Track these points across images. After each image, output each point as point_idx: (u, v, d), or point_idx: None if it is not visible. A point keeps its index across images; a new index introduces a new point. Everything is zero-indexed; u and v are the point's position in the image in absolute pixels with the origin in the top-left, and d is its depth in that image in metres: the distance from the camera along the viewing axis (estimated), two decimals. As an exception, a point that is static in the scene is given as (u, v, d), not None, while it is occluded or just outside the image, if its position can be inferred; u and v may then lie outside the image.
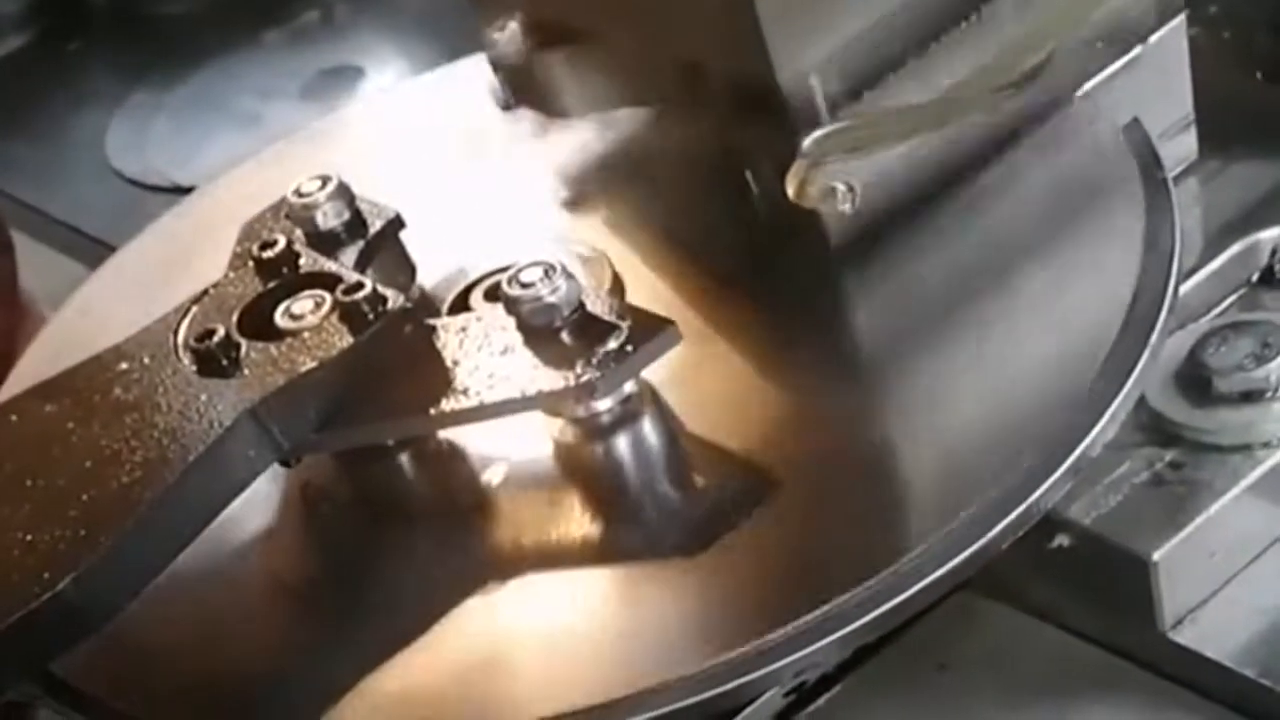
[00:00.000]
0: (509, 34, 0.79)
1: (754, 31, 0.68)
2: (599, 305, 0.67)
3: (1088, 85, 0.75)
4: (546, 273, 0.67)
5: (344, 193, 0.74)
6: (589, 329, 0.67)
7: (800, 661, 0.61)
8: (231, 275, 0.72)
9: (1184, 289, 0.71)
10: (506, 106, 0.82)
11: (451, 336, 0.69)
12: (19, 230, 1.08)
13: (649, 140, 0.79)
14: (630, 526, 0.67)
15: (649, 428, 0.69)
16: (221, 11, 1.21)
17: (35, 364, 0.81)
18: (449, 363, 0.68)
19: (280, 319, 0.69)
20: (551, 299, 0.67)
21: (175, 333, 0.70)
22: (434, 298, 0.76)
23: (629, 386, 0.68)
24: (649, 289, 0.74)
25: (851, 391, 0.69)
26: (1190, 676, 0.68)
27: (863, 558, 0.62)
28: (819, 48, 0.69)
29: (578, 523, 0.67)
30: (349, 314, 0.68)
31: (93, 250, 1.02)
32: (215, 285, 0.72)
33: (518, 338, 0.68)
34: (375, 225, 0.74)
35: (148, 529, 0.63)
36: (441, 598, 0.65)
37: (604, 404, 0.68)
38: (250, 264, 0.72)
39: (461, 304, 0.75)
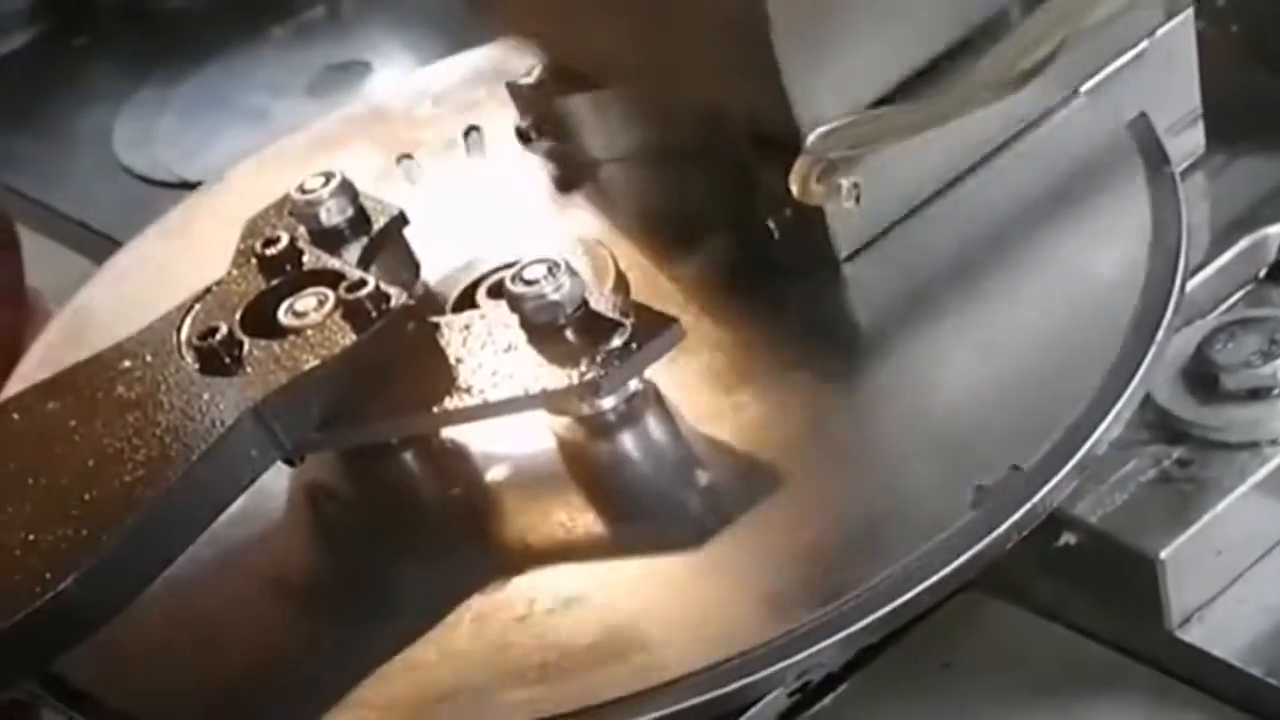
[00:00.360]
0: (534, 76, 0.80)
1: (776, 83, 0.68)
2: (603, 303, 0.67)
3: (1094, 79, 0.75)
4: (550, 270, 0.67)
5: (347, 189, 0.74)
6: (593, 327, 0.67)
7: (805, 661, 0.60)
8: (234, 272, 0.72)
9: (1191, 285, 0.71)
10: (527, 141, 0.82)
11: (455, 334, 0.69)
12: (26, 226, 1.08)
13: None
14: (634, 525, 0.66)
15: (653, 426, 0.69)
16: (228, 7, 1.21)
17: (40, 360, 0.81)
18: (452, 361, 0.68)
19: (283, 317, 0.69)
20: (555, 296, 0.67)
21: (178, 330, 0.70)
22: (438, 295, 0.76)
23: (633, 384, 0.68)
24: (653, 286, 0.73)
25: (856, 389, 0.69)
26: (1197, 675, 0.68)
27: (868, 556, 0.62)
28: (841, 100, 0.69)
29: (581, 522, 0.66)
30: (352, 312, 0.68)
31: (99, 245, 1.02)
32: (218, 282, 0.72)
33: (521, 335, 0.67)
34: (379, 222, 0.74)
35: (150, 528, 0.63)
36: (444, 597, 0.65)
37: (608, 402, 0.68)
38: (253, 261, 0.72)
39: (465, 301, 0.75)
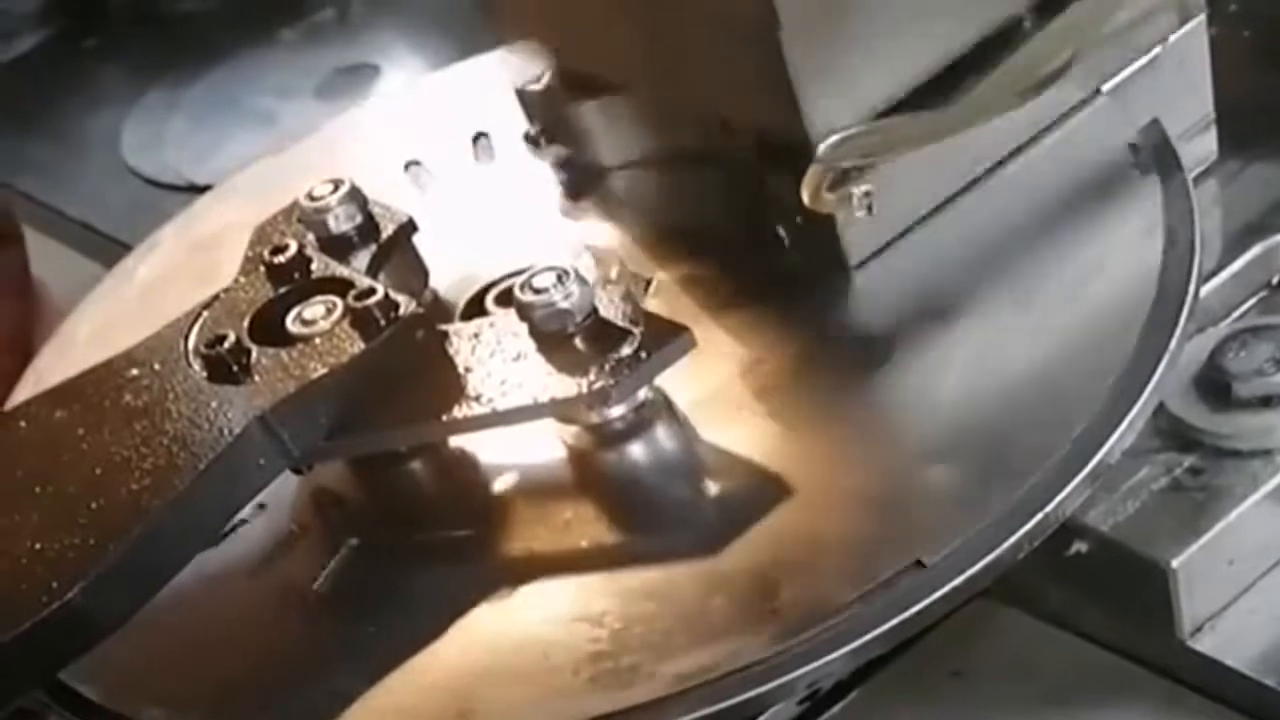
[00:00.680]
0: (543, 83, 0.80)
1: (787, 91, 0.68)
2: (612, 311, 0.67)
3: (1107, 86, 0.75)
4: (560, 278, 0.67)
5: (356, 196, 0.74)
6: (602, 335, 0.66)
7: (815, 672, 0.60)
8: (243, 280, 0.72)
9: (1203, 292, 0.70)
10: (537, 147, 0.82)
11: (464, 342, 0.68)
12: (34, 228, 1.08)
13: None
14: (643, 535, 0.66)
15: (662, 434, 0.68)
16: (237, 10, 1.21)
17: (47, 365, 0.81)
18: (461, 369, 0.68)
19: (291, 325, 0.69)
20: (565, 304, 0.66)
21: (186, 338, 0.70)
22: (446, 302, 0.75)
23: (643, 393, 0.68)
24: (663, 294, 0.73)
25: (866, 397, 0.69)
26: (1209, 684, 0.68)
27: (879, 567, 0.61)
28: (852, 111, 0.69)
29: (589, 531, 0.66)
30: (361, 320, 0.67)
31: (108, 249, 1.02)
32: (226, 290, 0.72)
33: (530, 344, 0.67)
34: (388, 229, 0.74)
35: (157, 537, 0.63)
36: (451, 605, 0.65)
37: (617, 411, 0.68)
38: (261, 268, 0.72)
39: (474, 309, 0.74)
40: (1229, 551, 0.67)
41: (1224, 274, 0.75)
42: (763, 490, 0.65)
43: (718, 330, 0.71)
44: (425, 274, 0.75)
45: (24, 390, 0.79)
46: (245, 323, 0.69)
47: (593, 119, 0.79)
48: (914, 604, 0.61)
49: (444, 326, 0.70)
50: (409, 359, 0.68)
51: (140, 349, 0.70)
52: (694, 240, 0.75)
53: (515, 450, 0.69)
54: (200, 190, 0.99)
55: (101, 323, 0.83)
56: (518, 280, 0.68)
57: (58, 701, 0.66)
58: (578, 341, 0.67)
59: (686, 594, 0.63)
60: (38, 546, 0.63)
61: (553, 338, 0.67)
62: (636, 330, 0.66)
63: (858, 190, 0.68)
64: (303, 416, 0.66)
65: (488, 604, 0.65)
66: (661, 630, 0.62)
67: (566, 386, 0.66)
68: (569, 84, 0.79)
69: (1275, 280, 0.76)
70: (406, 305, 0.68)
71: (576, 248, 0.75)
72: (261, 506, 0.70)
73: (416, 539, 0.68)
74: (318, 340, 0.68)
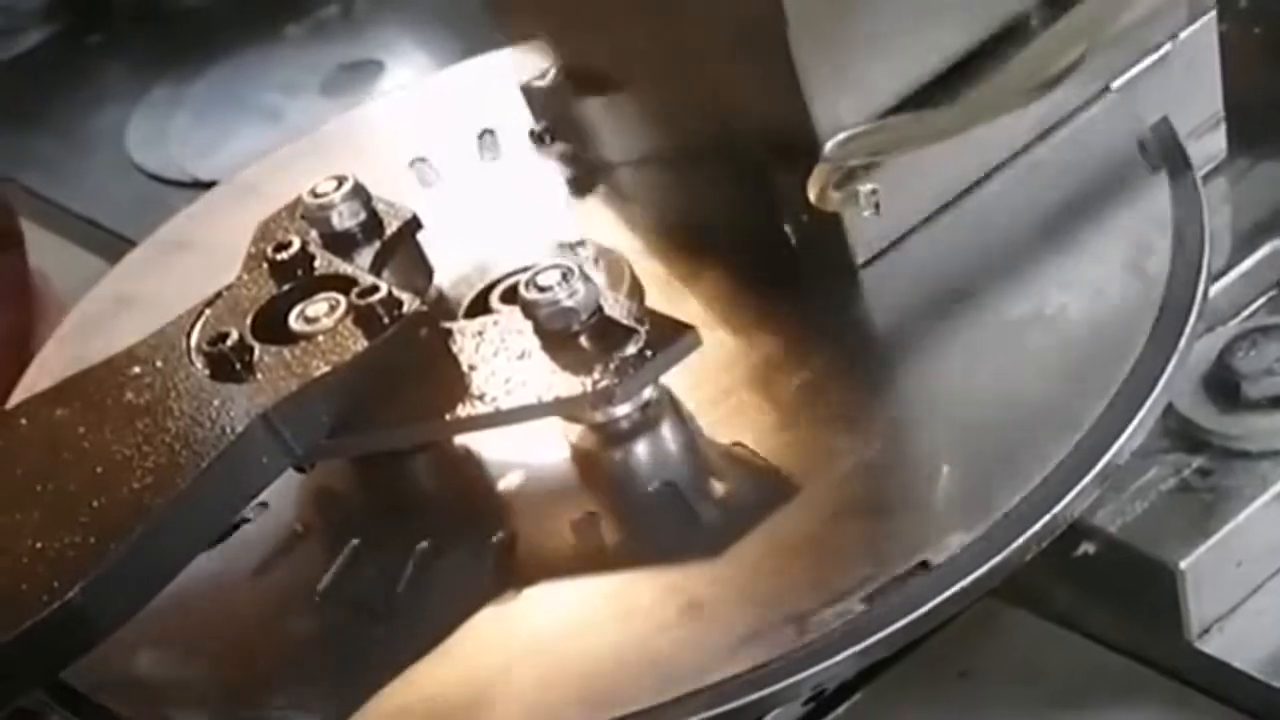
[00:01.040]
0: (549, 79, 0.79)
1: (794, 89, 0.67)
2: (617, 309, 0.66)
3: (1116, 83, 0.74)
4: (564, 276, 0.66)
5: (360, 193, 0.73)
6: (607, 333, 0.66)
7: (821, 674, 0.60)
8: (245, 277, 0.72)
9: (1212, 291, 0.70)
10: (542, 144, 0.82)
11: (468, 340, 0.68)
12: (39, 224, 1.08)
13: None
14: (647, 535, 0.66)
15: (667, 433, 0.68)
16: (242, 6, 1.21)
17: (49, 362, 0.81)
18: (465, 367, 0.67)
19: (294, 322, 0.69)
20: (569, 303, 0.66)
21: (188, 336, 0.69)
22: (451, 299, 0.75)
23: (647, 392, 0.68)
24: (668, 291, 0.73)
25: (872, 397, 0.68)
26: (1216, 686, 0.67)
27: (886, 568, 0.61)
28: (859, 109, 0.68)
29: (593, 530, 0.66)
30: (364, 317, 0.67)
31: (112, 245, 1.02)
32: (229, 287, 0.71)
33: (535, 342, 0.67)
34: (392, 226, 0.73)
35: (159, 536, 0.63)
36: (455, 605, 0.65)
37: (622, 410, 0.68)
38: (264, 265, 0.71)
39: (479, 306, 0.74)
40: (1237, 553, 0.67)
41: (1233, 273, 0.75)
42: (768, 490, 0.65)
43: (723, 329, 0.71)
44: (429, 271, 0.75)
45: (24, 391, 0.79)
46: (248, 320, 0.69)
47: (598, 116, 0.78)
48: (921, 606, 0.60)
49: (448, 324, 0.69)
50: (412, 357, 0.67)
51: (142, 346, 0.70)
52: (700, 238, 0.75)
53: (519, 449, 0.69)
54: (204, 185, 0.99)
55: (105, 318, 0.82)
56: (522, 278, 0.68)
57: (58, 701, 0.66)
58: (582, 340, 0.66)
59: (691, 595, 0.63)
60: (38, 545, 0.62)
61: (557, 336, 0.66)
62: (641, 329, 0.66)
63: (864, 189, 0.67)
64: (305, 415, 0.66)
65: (491, 605, 0.65)
66: (666, 631, 0.62)
67: (571, 385, 0.65)
68: (575, 81, 0.79)
69: (1285, 280, 0.76)
70: (410, 303, 0.68)
71: (582, 245, 0.74)
72: (264, 505, 0.70)
73: (420, 539, 0.68)
74: (321, 338, 0.67)
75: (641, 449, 0.68)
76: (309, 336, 0.68)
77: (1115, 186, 0.72)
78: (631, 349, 0.65)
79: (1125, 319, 0.67)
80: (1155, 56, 0.75)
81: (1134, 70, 0.75)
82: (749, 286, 0.73)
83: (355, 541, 0.68)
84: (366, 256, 0.72)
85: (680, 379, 0.68)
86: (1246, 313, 0.75)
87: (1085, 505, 0.63)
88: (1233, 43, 0.78)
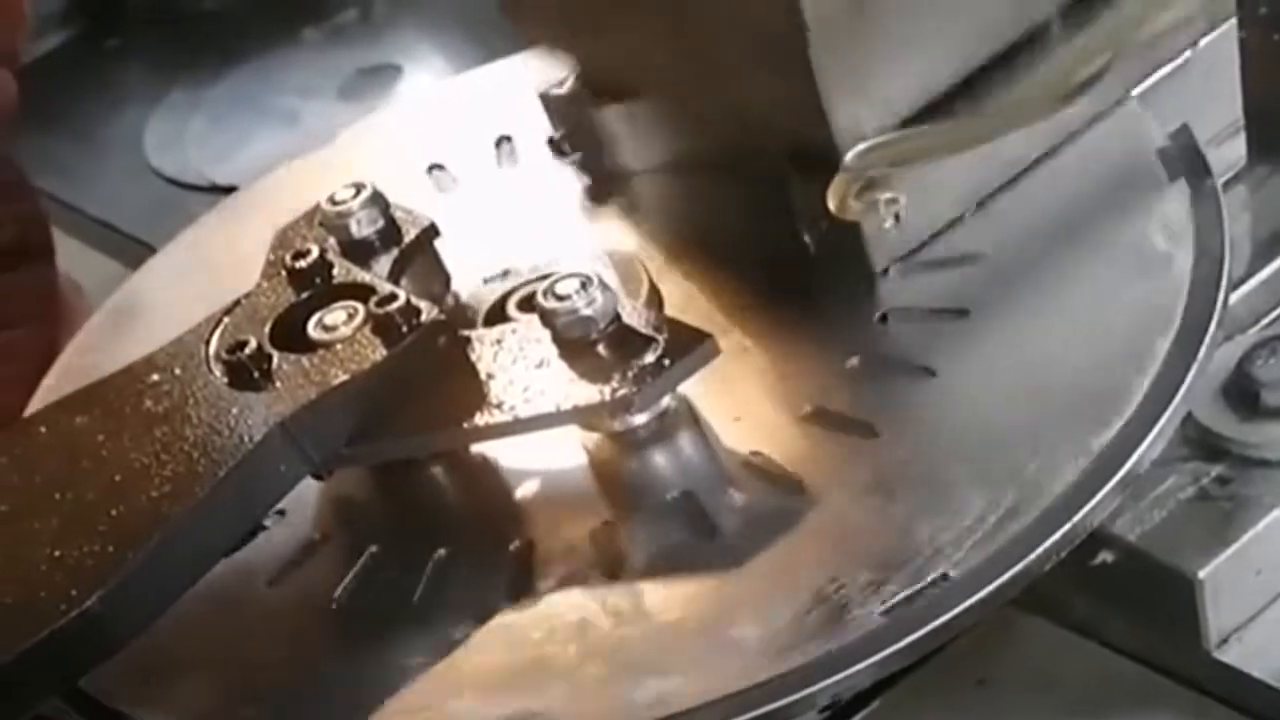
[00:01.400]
0: (567, 87, 0.79)
1: (813, 99, 0.67)
2: (636, 317, 0.66)
3: (1136, 90, 0.74)
4: (583, 284, 0.66)
5: (378, 200, 0.73)
6: (625, 342, 0.66)
7: (839, 685, 0.60)
8: (264, 285, 0.72)
9: (1231, 299, 0.70)
10: (560, 152, 0.82)
11: (486, 349, 0.68)
12: (57, 228, 1.07)
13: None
14: (665, 544, 0.65)
15: (685, 442, 0.68)
16: (260, 10, 1.21)
17: (67, 369, 0.81)
18: (483, 376, 0.67)
19: (313, 330, 0.69)
20: (587, 311, 0.66)
21: (207, 344, 0.69)
22: (469, 307, 0.75)
23: (665, 401, 0.67)
24: (687, 300, 0.73)
25: (891, 405, 0.68)
26: (1235, 695, 0.67)
27: (904, 577, 0.61)
28: (880, 118, 0.68)
29: (612, 539, 0.66)
30: (382, 326, 0.67)
31: (130, 249, 1.02)
32: (247, 295, 0.71)
33: (553, 350, 0.67)
34: (410, 234, 0.73)
35: (176, 544, 0.63)
36: (473, 614, 0.65)
37: (640, 418, 0.67)
38: (283, 273, 0.71)
39: (497, 314, 0.74)
40: (1256, 562, 0.66)
41: (1253, 281, 0.74)
42: (787, 499, 0.65)
43: (741, 337, 0.71)
44: (447, 279, 0.75)
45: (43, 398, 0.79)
46: (266, 328, 0.69)
47: (617, 124, 0.78)
48: (940, 616, 0.60)
49: (466, 332, 0.69)
50: (430, 365, 0.67)
51: (161, 354, 0.70)
52: (718, 246, 0.75)
53: (537, 457, 0.69)
54: (222, 190, 0.99)
55: (124, 324, 0.83)
56: (540, 286, 0.68)
57: (76, 709, 0.66)
58: (600, 348, 0.66)
59: (710, 604, 0.63)
60: (57, 554, 0.62)
61: (575, 344, 0.66)
62: (660, 337, 0.66)
63: (884, 198, 0.67)
64: (324, 423, 0.66)
65: (509, 612, 0.65)
66: (685, 641, 0.62)
67: (589, 394, 0.65)
68: (593, 88, 0.79)
69: (1305, 287, 0.75)
70: (428, 311, 0.68)
71: (600, 253, 0.74)
72: (282, 514, 0.70)
73: (438, 547, 0.68)
74: (339, 346, 0.67)
75: (659, 458, 0.68)
76: (327, 345, 0.68)
77: (1135, 194, 0.72)
78: (650, 357, 0.65)
79: (1145, 327, 0.67)
80: (1175, 64, 0.75)
81: (1154, 77, 0.75)
82: (767, 294, 0.72)
83: (373, 549, 0.69)
84: (385, 264, 0.72)
85: (698, 387, 0.68)
86: (1266, 321, 0.74)
87: (1105, 514, 0.63)
88: (1253, 50, 0.78)
